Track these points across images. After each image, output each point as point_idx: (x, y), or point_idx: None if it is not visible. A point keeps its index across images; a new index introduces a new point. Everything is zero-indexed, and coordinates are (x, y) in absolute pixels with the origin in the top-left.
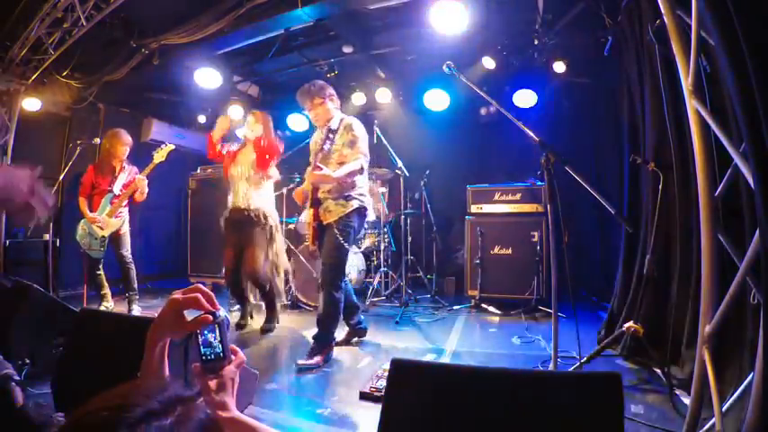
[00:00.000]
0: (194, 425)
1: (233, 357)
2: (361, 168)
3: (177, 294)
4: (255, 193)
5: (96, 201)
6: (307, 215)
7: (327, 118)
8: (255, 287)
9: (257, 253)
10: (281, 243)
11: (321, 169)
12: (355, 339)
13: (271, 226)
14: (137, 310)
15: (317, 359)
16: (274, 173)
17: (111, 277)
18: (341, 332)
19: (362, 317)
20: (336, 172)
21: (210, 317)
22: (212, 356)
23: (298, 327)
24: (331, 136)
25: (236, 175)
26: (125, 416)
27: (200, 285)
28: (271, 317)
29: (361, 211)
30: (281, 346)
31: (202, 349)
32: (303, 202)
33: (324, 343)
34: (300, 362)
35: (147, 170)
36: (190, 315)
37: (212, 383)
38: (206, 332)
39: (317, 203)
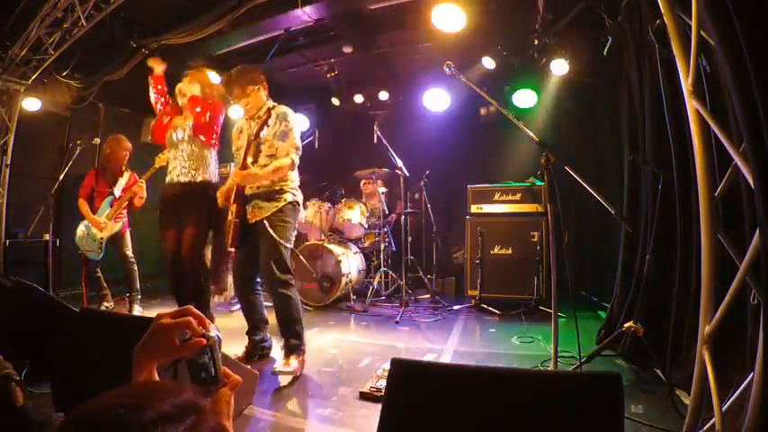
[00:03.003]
0: None
1: (226, 381)
2: (293, 164)
3: (166, 319)
4: (195, 162)
5: (97, 203)
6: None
7: (259, 106)
8: (189, 278)
9: (198, 233)
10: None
11: (247, 167)
12: (257, 357)
13: (214, 198)
14: (138, 310)
15: (294, 365)
16: (216, 137)
17: (111, 278)
18: (240, 347)
19: (269, 336)
20: (265, 170)
21: (204, 340)
22: (205, 379)
23: None
24: (261, 125)
25: (172, 142)
26: (139, 416)
27: (191, 307)
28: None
29: (294, 205)
30: (281, 345)
31: (194, 372)
32: (226, 202)
33: (297, 346)
34: (277, 368)
35: (147, 175)
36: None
37: (207, 407)
38: (199, 355)
39: (243, 200)
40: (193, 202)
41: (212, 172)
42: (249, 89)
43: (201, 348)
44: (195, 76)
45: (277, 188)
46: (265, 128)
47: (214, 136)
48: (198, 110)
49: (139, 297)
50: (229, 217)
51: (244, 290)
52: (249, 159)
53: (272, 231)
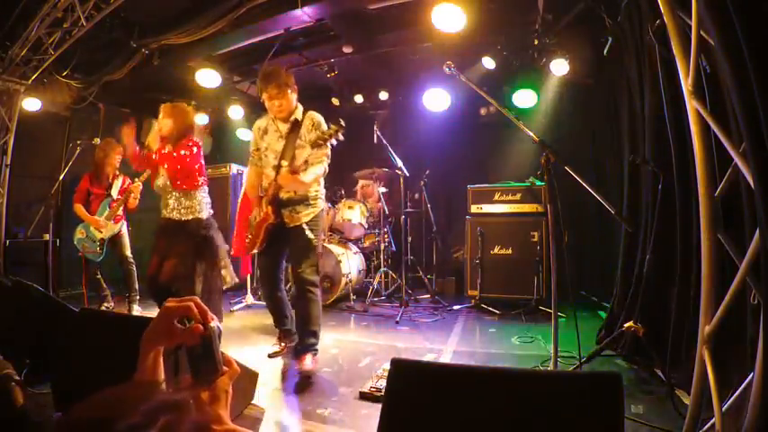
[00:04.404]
0: None
1: (226, 369)
2: (324, 172)
3: (170, 303)
4: (185, 202)
5: (94, 205)
6: (257, 214)
7: (291, 110)
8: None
9: (178, 263)
10: (216, 256)
11: (295, 171)
12: (291, 342)
13: (204, 236)
14: (137, 310)
15: (308, 365)
16: (198, 176)
17: (110, 278)
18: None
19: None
20: (307, 177)
21: (201, 326)
22: (204, 369)
23: None
24: (295, 131)
25: (160, 187)
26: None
27: (196, 298)
28: None
29: (324, 212)
30: None
31: (193, 361)
32: (262, 206)
33: (312, 345)
34: (304, 368)
35: (143, 176)
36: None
37: (205, 396)
38: (197, 343)
39: (280, 204)
40: (183, 236)
41: (204, 208)
42: (286, 91)
43: (200, 335)
44: (168, 110)
45: (312, 194)
46: (292, 136)
47: (198, 177)
48: (168, 163)
49: (138, 297)
50: (257, 219)
51: (271, 289)
52: (284, 163)
53: (312, 236)
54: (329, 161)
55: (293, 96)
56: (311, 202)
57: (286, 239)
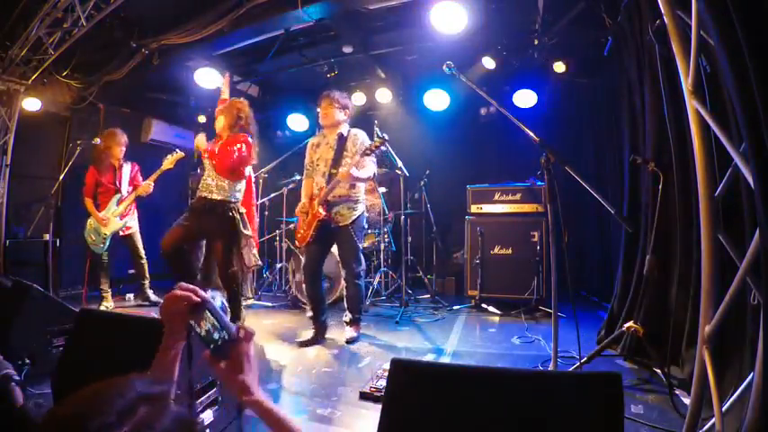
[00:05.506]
0: (157, 429)
1: (240, 335)
2: (369, 178)
3: (171, 302)
4: (220, 185)
5: (103, 200)
6: (304, 209)
7: (333, 122)
8: (227, 286)
9: (225, 247)
10: (242, 238)
11: (350, 170)
12: (325, 332)
13: (231, 217)
14: (152, 296)
15: (359, 331)
16: (242, 172)
17: (113, 276)
18: (309, 332)
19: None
20: (359, 172)
21: (194, 296)
22: (218, 341)
23: (297, 326)
24: (342, 143)
25: (207, 167)
26: (84, 425)
27: (182, 284)
28: (237, 316)
29: (364, 213)
30: (282, 346)
31: (205, 337)
32: (311, 206)
33: (359, 318)
34: (348, 337)
35: (154, 175)
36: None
37: (226, 366)
38: (201, 321)
39: (327, 205)
40: (214, 217)
41: (234, 196)
42: (334, 104)
43: (198, 310)
44: (225, 109)
45: (354, 197)
46: (338, 148)
47: (240, 174)
48: (216, 160)
49: (149, 283)
50: (307, 217)
51: (314, 279)
52: (334, 171)
53: (355, 236)
54: (375, 168)
55: (339, 113)
56: (353, 204)
57: (333, 237)
